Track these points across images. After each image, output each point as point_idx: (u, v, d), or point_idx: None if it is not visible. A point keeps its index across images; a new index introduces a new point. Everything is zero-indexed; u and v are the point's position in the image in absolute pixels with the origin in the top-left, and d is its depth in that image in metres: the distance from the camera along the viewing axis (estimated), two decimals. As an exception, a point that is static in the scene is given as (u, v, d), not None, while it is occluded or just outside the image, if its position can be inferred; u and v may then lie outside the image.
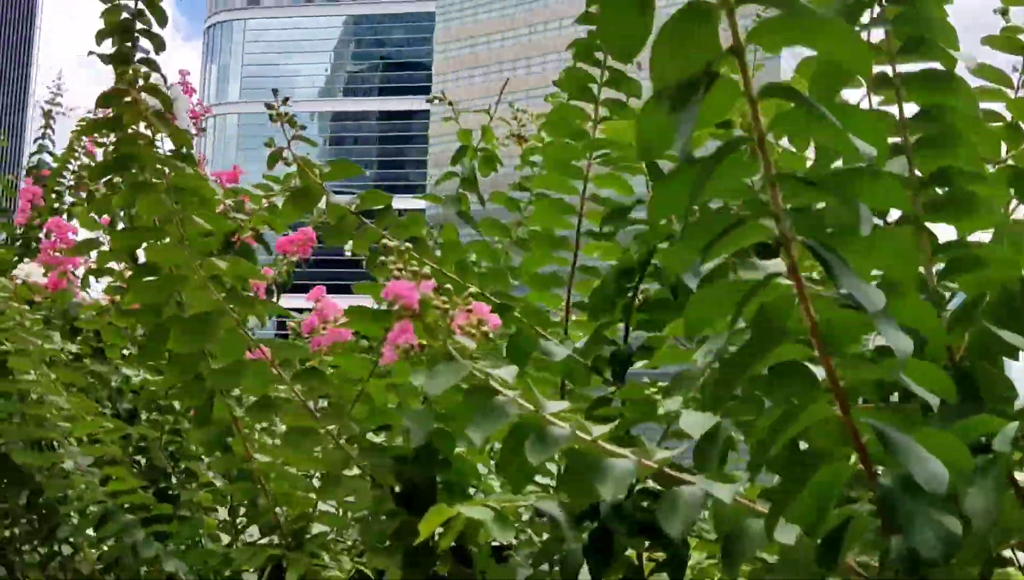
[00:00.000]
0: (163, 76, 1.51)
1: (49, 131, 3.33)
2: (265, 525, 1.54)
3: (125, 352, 2.12)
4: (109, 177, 1.54)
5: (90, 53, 1.69)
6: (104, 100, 1.47)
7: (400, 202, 2.63)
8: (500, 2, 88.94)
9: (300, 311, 1.78)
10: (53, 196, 2.86)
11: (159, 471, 2.02)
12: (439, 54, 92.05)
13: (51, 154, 3.18)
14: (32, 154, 3.20)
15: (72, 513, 1.83)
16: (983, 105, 1.10)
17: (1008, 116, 1.14)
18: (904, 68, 0.98)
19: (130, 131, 1.43)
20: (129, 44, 1.64)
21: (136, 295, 1.50)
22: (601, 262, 1.56)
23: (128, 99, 1.43)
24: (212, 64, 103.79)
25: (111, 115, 1.47)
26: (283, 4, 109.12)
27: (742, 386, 0.84)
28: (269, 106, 1.54)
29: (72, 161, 2.91)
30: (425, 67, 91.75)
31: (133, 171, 1.44)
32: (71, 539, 1.90)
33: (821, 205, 0.73)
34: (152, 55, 1.64)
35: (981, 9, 1.24)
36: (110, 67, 1.57)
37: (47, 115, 3.38)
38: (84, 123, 2.76)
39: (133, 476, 1.77)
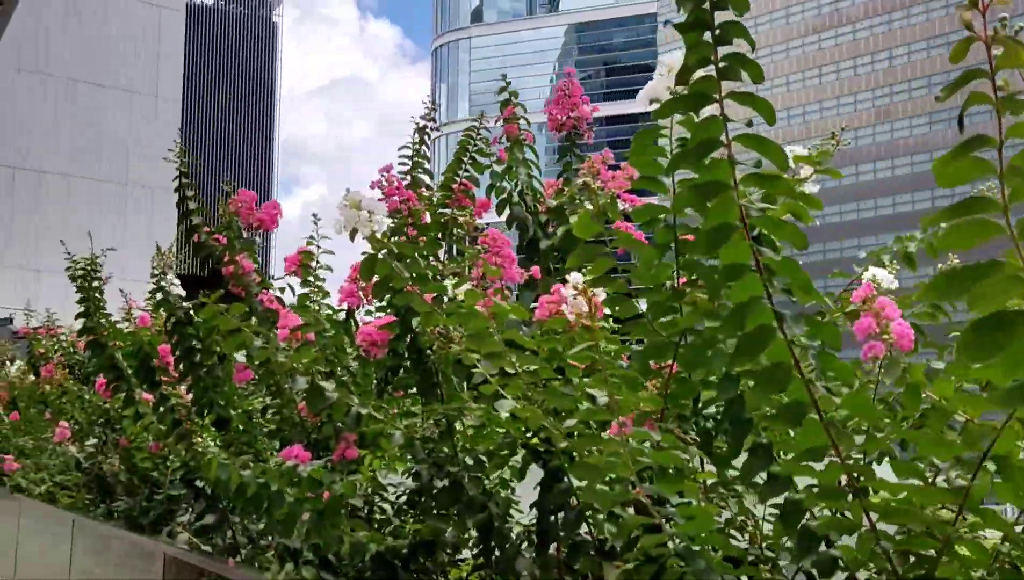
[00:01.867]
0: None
1: (423, 147, 3.45)
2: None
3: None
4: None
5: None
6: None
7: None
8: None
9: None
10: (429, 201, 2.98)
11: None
12: (663, 55, 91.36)
13: (426, 172, 3.38)
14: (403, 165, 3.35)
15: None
16: None
17: None
18: None
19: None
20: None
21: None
22: None
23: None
24: (441, 84, 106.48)
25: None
26: (505, 19, 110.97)
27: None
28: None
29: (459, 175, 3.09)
30: (649, 69, 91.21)
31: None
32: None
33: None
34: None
35: None
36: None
37: (421, 130, 3.52)
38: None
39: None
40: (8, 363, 7.65)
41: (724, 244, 1.28)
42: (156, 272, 5.53)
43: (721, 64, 1.25)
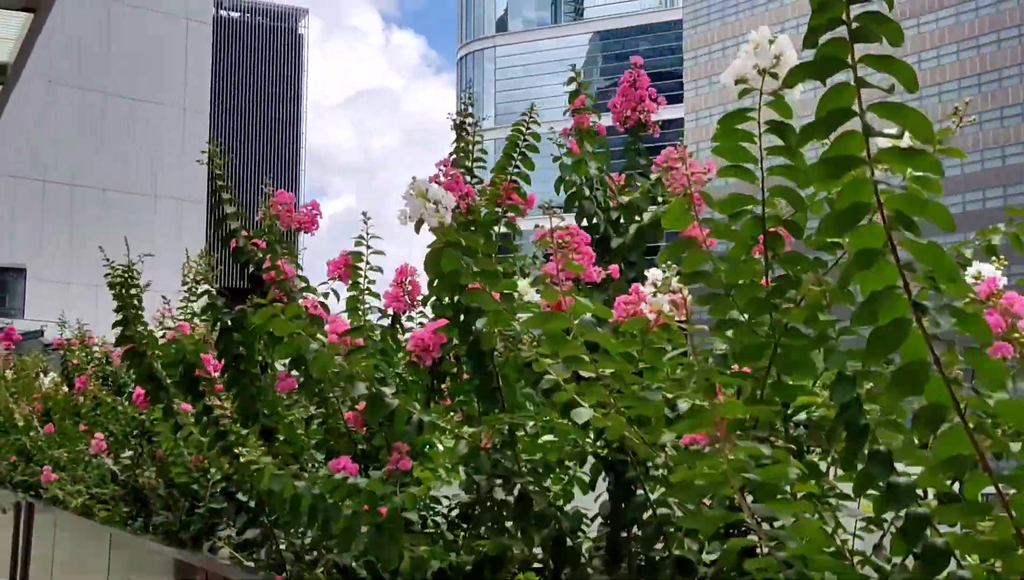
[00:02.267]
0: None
1: (464, 144, 3.36)
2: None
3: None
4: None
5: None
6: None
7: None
8: (749, 2, 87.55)
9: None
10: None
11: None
12: (689, 61, 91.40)
13: (468, 170, 3.29)
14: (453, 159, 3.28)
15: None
16: None
17: None
18: None
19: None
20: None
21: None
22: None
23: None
24: (466, 93, 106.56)
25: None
26: (530, 28, 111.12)
27: None
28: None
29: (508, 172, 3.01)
30: (674, 76, 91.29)
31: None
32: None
33: None
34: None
35: None
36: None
37: (459, 127, 3.41)
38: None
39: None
40: (41, 375, 7.57)
41: (855, 226, 1.14)
42: (188, 280, 5.44)
43: (855, 25, 1.11)
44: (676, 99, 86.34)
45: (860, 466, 1.42)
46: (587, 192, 2.55)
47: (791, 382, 1.64)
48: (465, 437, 2.28)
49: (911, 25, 74.09)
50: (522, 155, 3.01)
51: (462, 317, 2.41)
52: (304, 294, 3.17)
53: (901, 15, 75.05)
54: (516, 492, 2.26)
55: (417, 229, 1.87)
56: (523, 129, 2.98)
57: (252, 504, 3.61)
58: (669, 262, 1.95)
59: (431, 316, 3.58)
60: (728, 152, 1.53)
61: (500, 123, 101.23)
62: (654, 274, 1.88)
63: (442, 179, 2.53)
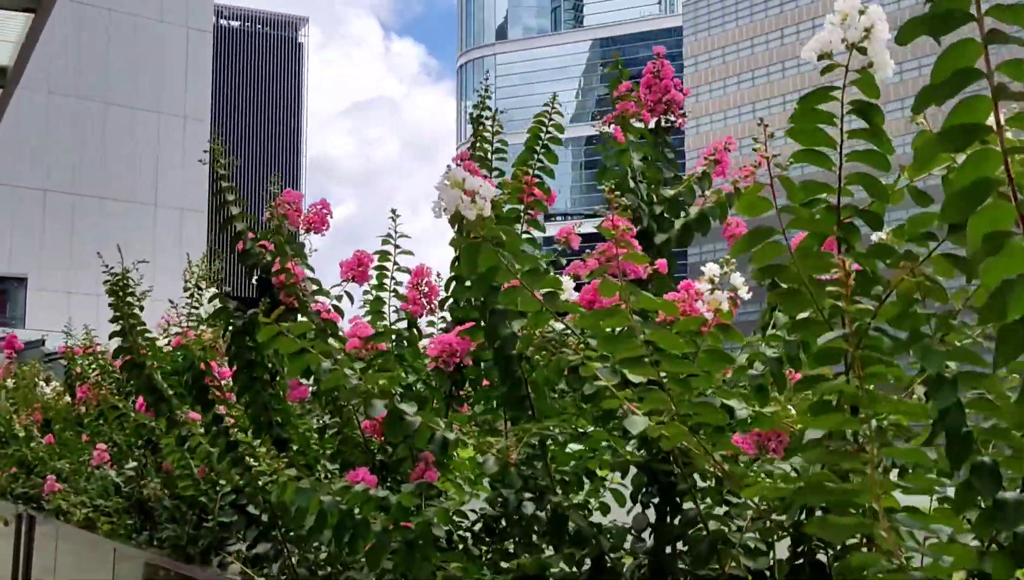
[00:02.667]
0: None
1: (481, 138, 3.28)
2: None
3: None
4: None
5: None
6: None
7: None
8: (748, 9, 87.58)
9: None
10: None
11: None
12: (689, 67, 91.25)
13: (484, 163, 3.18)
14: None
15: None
16: None
17: None
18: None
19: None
20: None
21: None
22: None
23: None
24: (467, 101, 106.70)
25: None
26: (531, 35, 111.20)
27: None
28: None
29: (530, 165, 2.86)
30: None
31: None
32: None
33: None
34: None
35: None
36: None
37: (476, 121, 3.33)
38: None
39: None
40: (42, 384, 7.41)
41: (980, 204, 0.99)
42: (190, 285, 5.29)
43: (981, -31, 0.96)
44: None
45: (960, 479, 1.28)
46: (631, 184, 2.39)
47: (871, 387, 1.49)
48: (494, 452, 2.12)
49: None
50: (545, 148, 2.85)
51: (488, 319, 2.27)
52: (316, 298, 3.02)
53: None
54: (549, 508, 2.11)
55: (452, 223, 1.72)
56: (545, 121, 2.82)
57: (264, 517, 3.46)
58: (727, 257, 1.81)
59: (449, 320, 3.45)
60: (805, 135, 1.38)
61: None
62: (711, 269, 1.74)
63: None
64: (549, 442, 2.21)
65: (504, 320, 2.27)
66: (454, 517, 2.80)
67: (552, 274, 1.76)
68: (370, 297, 2.99)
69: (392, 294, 2.93)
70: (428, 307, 3.12)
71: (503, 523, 2.60)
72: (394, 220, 2.86)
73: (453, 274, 3.41)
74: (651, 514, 2.23)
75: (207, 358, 3.50)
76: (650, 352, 1.50)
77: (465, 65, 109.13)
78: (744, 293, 1.81)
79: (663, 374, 1.52)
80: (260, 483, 3.25)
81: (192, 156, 39.03)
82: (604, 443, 2.16)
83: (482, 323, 2.37)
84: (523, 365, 2.30)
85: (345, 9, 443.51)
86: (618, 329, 1.54)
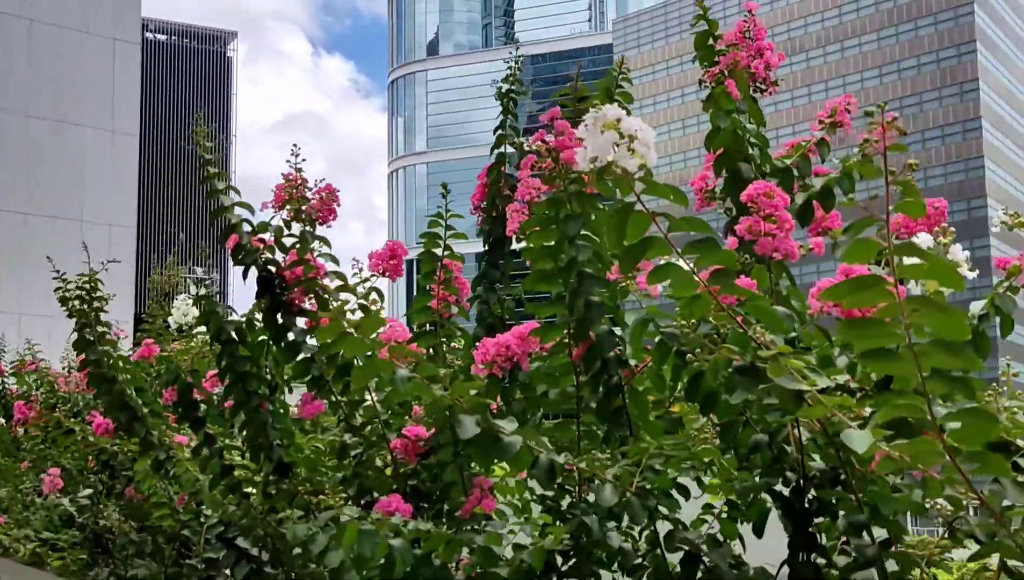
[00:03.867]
0: None
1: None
2: None
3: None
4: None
5: None
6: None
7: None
8: (678, 28, 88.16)
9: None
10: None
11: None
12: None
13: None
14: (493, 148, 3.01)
15: None
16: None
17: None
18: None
19: None
20: None
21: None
22: None
23: None
24: (398, 117, 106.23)
25: None
26: (462, 52, 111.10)
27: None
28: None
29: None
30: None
31: None
32: None
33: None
34: None
35: None
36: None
37: (504, 96, 3.10)
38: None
39: None
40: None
41: None
42: (154, 293, 4.81)
43: None
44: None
45: None
46: (748, 148, 1.99)
47: None
48: (609, 478, 1.69)
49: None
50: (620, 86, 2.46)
51: (582, 313, 1.85)
52: (339, 296, 2.57)
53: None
54: (687, 550, 1.69)
55: (600, 177, 1.30)
56: (616, 74, 2.42)
57: (259, 553, 3.00)
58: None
59: (474, 323, 3.02)
60: None
61: (432, 147, 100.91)
62: (956, 252, 1.34)
63: (543, 142, 1.97)
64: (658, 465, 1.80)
65: (601, 314, 1.86)
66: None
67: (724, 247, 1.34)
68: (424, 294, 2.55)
69: (442, 288, 2.50)
70: (458, 307, 2.71)
71: (570, 557, 2.18)
72: (444, 196, 2.44)
73: (482, 271, 2.99)
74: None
75: (198, 370, 3.04)
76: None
77: (396, 81, 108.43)
78: (967, 270, 1.42)
79: (925, 373, 1.11)
80: (258, 512, 2.81)
81: (121, 171, 38.28)
82: (734, 474, 1.77)
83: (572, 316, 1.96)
84: (619, 371, 1.90)
85: (274, 24, 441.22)
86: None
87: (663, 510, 1.74)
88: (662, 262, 1.36)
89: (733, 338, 1.42)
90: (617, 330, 1.92)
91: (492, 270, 2.91)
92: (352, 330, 1.77)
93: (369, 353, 1.74)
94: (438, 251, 2.48)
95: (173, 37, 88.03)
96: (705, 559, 1.72)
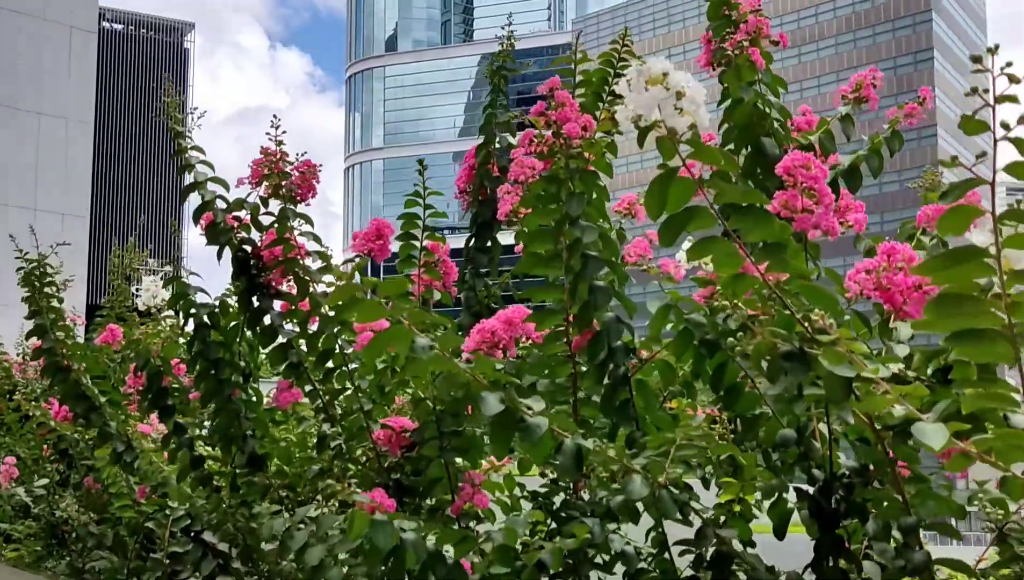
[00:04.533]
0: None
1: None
2: None
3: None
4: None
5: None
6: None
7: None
8: (638, 28, 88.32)
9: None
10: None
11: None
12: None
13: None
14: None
15: None
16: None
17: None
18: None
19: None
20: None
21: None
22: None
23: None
24: (356, 112, 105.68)
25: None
26: (420, 48, 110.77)
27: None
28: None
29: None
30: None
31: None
32: None
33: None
34: None
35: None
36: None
37: (496, 73, 3.05)
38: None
39: None
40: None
41: None
42: (114, 275, 4.64)
43: None
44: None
45: None
46: (773, 123, 1.86)
47: None
48: (638, 470, 1.57)
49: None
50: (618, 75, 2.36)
51: (587, 296, 1.74)
52: (322, 278, 2.43)
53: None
54: (716, 552, 1.57)
55: (642, 139, 1.18)
56: (619, 47, 2.32)
57: (227, 548, 2.86)
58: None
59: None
60: None
61: (389, 142, 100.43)
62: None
63: (552, 109, 1.84)
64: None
65: (608, 299, 1.74)
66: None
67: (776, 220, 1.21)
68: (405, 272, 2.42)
69: (422, 270, 2.37)
70: (442, 294, 2.58)
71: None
72: (420, 173, 2.31)
73: (469, 256, 2.87)
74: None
75: (169, 355, 2.89)
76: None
77: (354, 76, 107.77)
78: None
79: None
80: (228, 506, 2.66)
81: (74, 160, 37.73)
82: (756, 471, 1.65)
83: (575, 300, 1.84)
84: (626, 361, 1.78)
85: (231, 16, 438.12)
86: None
87: (695, 505, 1.62)
88: (706, 236, 1.24)
89: (779, 321, 1.30)
90: (624, 317, 1.80)
91: (479, 255, 2.78)
92: (365, 294, 1.63)
93: (388, 319, 1.59)
94: (416, 230, 2.34)
95: (130, 27, 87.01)
96: (735, 563, 1.61)
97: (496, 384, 1.59)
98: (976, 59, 0.89)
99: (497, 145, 2.84)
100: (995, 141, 0.88)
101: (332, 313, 2.33)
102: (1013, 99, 0.89)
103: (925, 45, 71.70)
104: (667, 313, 1.58)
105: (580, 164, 1.71)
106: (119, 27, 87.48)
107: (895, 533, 1.50)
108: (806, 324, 1.25)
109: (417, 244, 2.41)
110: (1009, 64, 0.89)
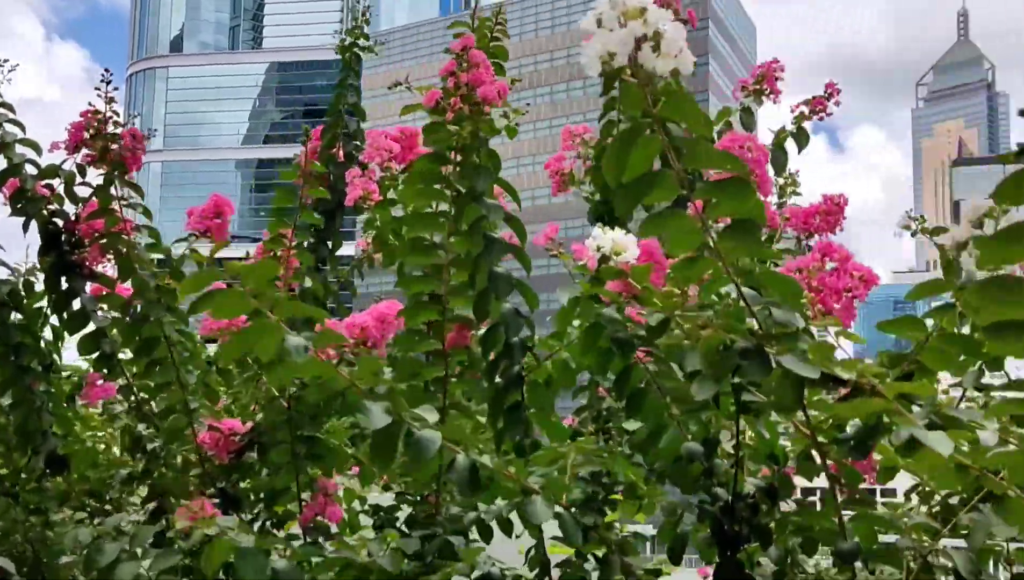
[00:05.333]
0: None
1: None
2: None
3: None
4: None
5: None
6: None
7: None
8: (428, 47, 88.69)
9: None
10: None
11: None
12: (367, 100, 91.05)
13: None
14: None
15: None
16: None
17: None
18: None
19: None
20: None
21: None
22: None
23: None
24: (135, 112, 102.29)
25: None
26: (206, 52, 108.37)
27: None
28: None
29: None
30: (351, 113, 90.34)
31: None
32: None
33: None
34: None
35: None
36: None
37: (346, 49, 2.86)
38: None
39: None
40: None
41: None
42: None
43: None
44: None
45: None
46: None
47: None
48: (536, 491, 1.38)
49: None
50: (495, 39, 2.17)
51: (486, 284, 1.55)
52: (151, 257, 2.15)
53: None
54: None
55: (609, 85, 0.99)
56: (491, 23, 2.13)
57: (5, 563, 2.52)
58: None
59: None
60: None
61: (169, 145, 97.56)
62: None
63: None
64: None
65: (509, 288, 1.56)
66: None
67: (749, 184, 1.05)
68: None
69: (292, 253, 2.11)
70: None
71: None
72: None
73: (309, 247, 2.64)
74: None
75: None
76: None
77: (135, 75, 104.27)
78: None
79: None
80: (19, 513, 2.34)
81: None
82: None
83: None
84: (523, 359, 1.59)
85: (3, 3, 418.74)
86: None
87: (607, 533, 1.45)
88: (662, 208, 1.07)
89: (730, 313, 1.15)
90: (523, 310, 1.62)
91: (320, 248, 2.55)
92: (228, 283, 1.37)
93: (255, 311, 1.33)
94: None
95: None
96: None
97: (382, 394, 1.36)
98: None
99: (345, 130, 2.63)
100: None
101: (161, 298, 2.07)
102: None
103: (701, 88, 74.45)
104: (576, 306, 1.41)
105: (491, 133, 1.53)
106: None
107: (823, 561, 1.38)
108: (763, 319, 1.10)
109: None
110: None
